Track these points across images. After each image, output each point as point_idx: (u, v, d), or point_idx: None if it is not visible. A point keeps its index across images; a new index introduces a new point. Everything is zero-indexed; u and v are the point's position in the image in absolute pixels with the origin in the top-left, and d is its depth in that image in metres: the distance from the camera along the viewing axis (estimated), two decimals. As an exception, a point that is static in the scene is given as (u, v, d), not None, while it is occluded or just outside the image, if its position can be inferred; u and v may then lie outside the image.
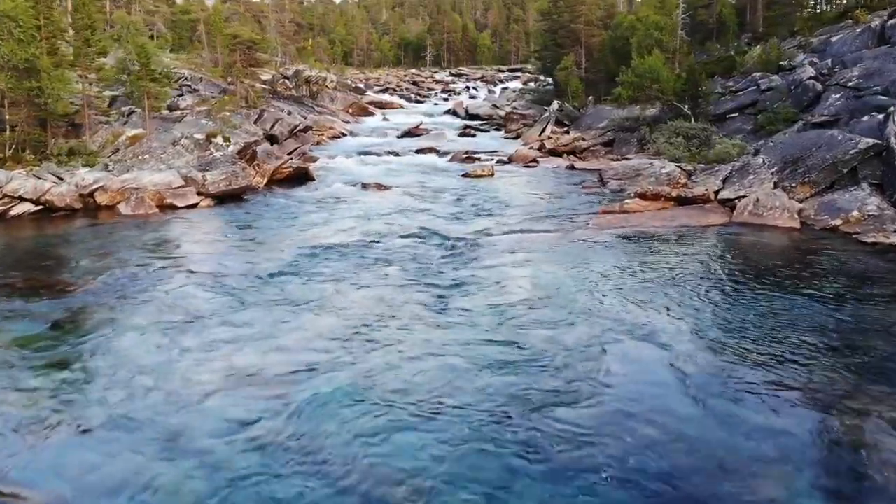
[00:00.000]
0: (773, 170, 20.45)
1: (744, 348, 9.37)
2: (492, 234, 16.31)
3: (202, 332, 10.07)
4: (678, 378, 8.35)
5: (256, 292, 11.82)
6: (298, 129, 32.77)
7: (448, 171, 27.89)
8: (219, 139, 23.75)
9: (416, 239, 15.88)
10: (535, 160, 30.65)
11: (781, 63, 30.53)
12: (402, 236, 16.20)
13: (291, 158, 27.74)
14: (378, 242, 15.62)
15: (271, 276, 12.80)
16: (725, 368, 8.65)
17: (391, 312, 10.85)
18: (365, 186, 23.82)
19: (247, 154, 25.03)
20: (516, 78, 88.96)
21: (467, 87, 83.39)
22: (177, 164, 21.79)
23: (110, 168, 21.61)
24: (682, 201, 19.20)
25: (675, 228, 17.00)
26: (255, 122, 30.35)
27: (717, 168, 21.75)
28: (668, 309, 10.92)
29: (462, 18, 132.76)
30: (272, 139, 30.44)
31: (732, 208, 18.59)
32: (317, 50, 64.39)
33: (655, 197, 19.26)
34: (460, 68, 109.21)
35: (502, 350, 9.38)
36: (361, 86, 76.24)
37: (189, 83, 35.38)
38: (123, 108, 27.01)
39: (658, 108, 32.33)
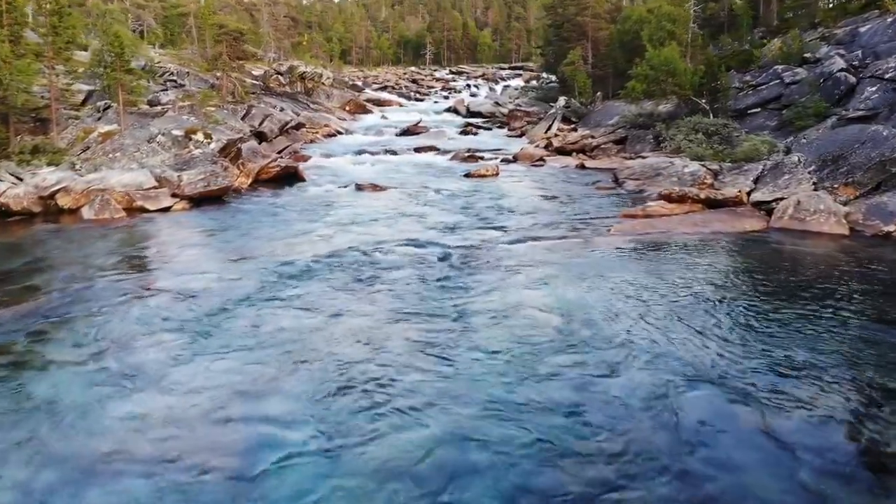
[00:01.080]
0: (811, 169, 18.45)
1: (838, 398, 7.33)
2: (501, 244, 14.25)
3: (136, 391, 7.66)
4: (779, 452, 6.16)
5: (218, 327, 9.60)
6: (290, 126, 30.76)
7: (449, 171, 25.90)
8: (199, 136, 21.74)
9: (414, 250, 13.83)
10: (541, 159, 28.69)
11: (806, 55, 28.51)
12: (397, 246, 14.16)
13: (281, 157, 25.73)
14: (370, 255, 13.56)
15: (240, 301, 10.63)
16: (825, 431, 6.59)
17: (382, 358, 8.52)
18: (359, 187, 21.81)
19: (230, 152, 23.03)
20: (518, 76, 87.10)
21: (468, 85, 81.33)
22: (151, 162, 19.77)
23: (77, 167, 19.59)
24: (711, 204, 17.18)
25: (707, 235, 14.98)
26: (243, 118, 28.34)
27: (746, 167, 19.73)
28: (726, 343, 8.86)
29: (462, 16, 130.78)
30: (261, 137, 28.45)
31: (769, 212, 16.56)
32: (313, 46, 62.33)
33: (681, 199, 17.25)
34: (460, 66, 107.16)
35: (532, 417, 6.99)
36: (359, 83, 74.30)
37: (175, 78, 33.36)
38: (99, 103, 25.02)
39: (673, 103, 30.34)
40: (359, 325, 9.63)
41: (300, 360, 8.48)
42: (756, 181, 18.71)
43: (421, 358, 8.53)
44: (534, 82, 66.53)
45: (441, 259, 13.20)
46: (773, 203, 16.73)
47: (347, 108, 52.22)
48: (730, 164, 20.78)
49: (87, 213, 16.99)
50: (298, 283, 11.66)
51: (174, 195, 18.55)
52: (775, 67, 29.06)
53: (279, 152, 27.83)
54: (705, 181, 19.41)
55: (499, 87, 77.29)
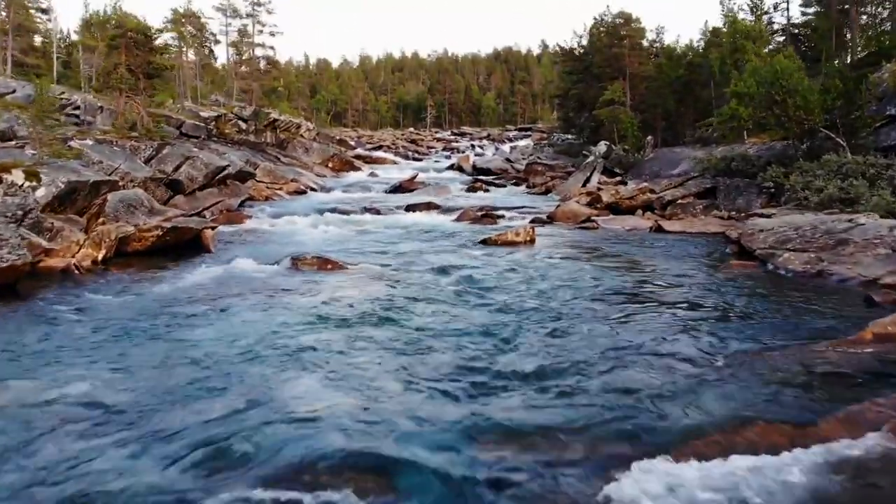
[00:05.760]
0: None
1: None
2: (652, 473, 4.49)
3: None
4: None
5: None
6: (226, 175, 21.53)
7: (455, 237, 16.45)
8: (17, 175, 12.37)
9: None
10: (590, 219, 19.36)
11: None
12: (340, 488, 4.40)
13: (187, 216, 16.32)
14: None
15: None
16: None
17: None
18: (297, 264, 12.26)
19: (88, 206, 13.68)
20: (527, 136, 79.08)
21: (472, 146, 73.11)
22: None
23: None
24: None
25: None
26: (148, 161, 19.10)
27: None
28: None
29: (465, 80, 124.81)
30: (175, 188, 19.17)
31: None
32: (295, 97, 54.06)
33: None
34: (463, 128, 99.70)
35: None
36: (352, 142, 66.14)
37: (78, 112, 24.37)
38: None
39: (772, 142, 21.33)
40: None
41: None
42: None
43: None
44: (545, 143, 58.35)
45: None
46: None
47: (330, 165, 43.45)
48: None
49: None
50: None
51: None
52: (924, 90, 20.08)
53: (198, 211, 18.48)
54: (962, 254, 9.88)
55: (506, 147, 68.84)
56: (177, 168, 19.32)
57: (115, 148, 18.09)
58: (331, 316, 8.75)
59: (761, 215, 16.08)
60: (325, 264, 12.20)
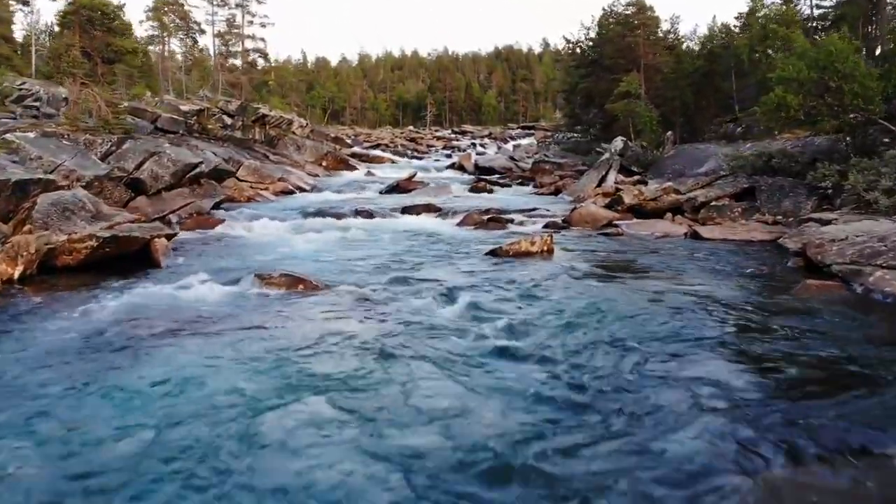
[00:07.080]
0: None
1: None
2: None
3: None
4: None
5: None
6: (199, 173, 19.09)
7: (459, 246, 14.01)
8: (-87, 173, 9.92)
9: None
10: (611, 224, 17.01)
11: None
12: None
13: (155, 220, 13.87)
14: None
15: None
16: None
17: None
18: (260, 284, 9.83)
19: (16, 212, 11.26)
20: (530, 135, 76.80)
21: (473, 144, 70.69)
22: None
23: None
24: None
25: None
26: (106, 157, 16.67)
27: None
28: None
29: (465, 77, 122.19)
30: (138, 188, 16.76)
31: None
32: (289, 93, 51.57)
33: None
34: (464, 127, 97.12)
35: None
36: (349, 140, 63.71)
37: (38, 104, 21.94)
38: None
39: (802, 137, 18.94)
40: None
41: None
42: None
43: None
44: (550, 141, 55.96)
45: None
46: None
47: (324, 164, 41.06)
48: None
49: None
50: None
51: None
52: None
53: (163, 215, 16.07)
54: None
55: (508, 146, 66.52)
56: (139, 165, 16.88)
57: (64, 142, 15.67)
58: (281, 375, 6.21)
59: (819, 220, 13.66)
60: (295, 284, 9.76)
